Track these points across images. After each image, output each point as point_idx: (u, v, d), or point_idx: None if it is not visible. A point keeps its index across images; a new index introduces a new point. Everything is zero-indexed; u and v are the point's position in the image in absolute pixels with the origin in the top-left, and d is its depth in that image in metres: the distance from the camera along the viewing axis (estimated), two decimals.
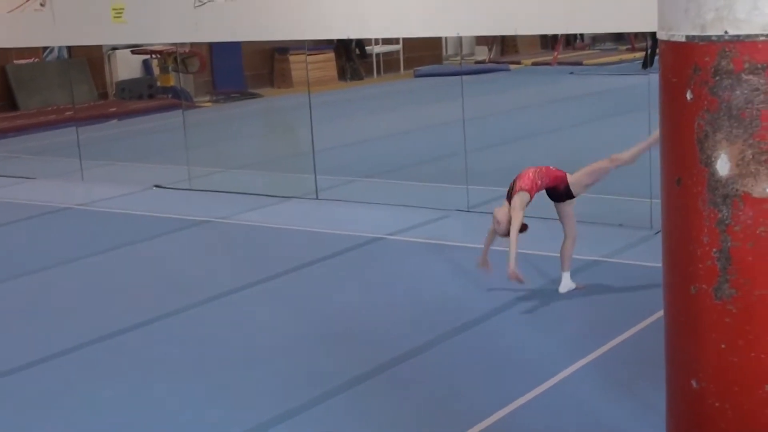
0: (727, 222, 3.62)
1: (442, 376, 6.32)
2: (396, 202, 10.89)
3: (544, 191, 7.72)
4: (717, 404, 3.74)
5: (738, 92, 3.55)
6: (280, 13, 11.12)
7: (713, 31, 3.57)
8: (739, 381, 3.68)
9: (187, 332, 7.42)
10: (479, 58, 26.19)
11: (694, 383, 3.80)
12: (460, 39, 10.93)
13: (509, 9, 9.63)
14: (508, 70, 25.04)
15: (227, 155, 14.74)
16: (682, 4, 3.64)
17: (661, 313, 6.95)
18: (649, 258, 8.26)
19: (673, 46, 3.71)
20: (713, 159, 3.62)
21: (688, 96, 3.66)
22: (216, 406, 6.08)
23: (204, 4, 11.48)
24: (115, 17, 12.19)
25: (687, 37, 3.64)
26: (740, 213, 3.60)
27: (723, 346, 3.69)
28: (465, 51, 26.84)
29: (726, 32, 3.54)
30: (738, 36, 3.52)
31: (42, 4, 12.75)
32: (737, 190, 3.59)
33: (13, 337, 7.52)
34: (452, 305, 7.59)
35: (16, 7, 13.00)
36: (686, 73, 3.65)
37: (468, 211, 10.37)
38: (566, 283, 7.74)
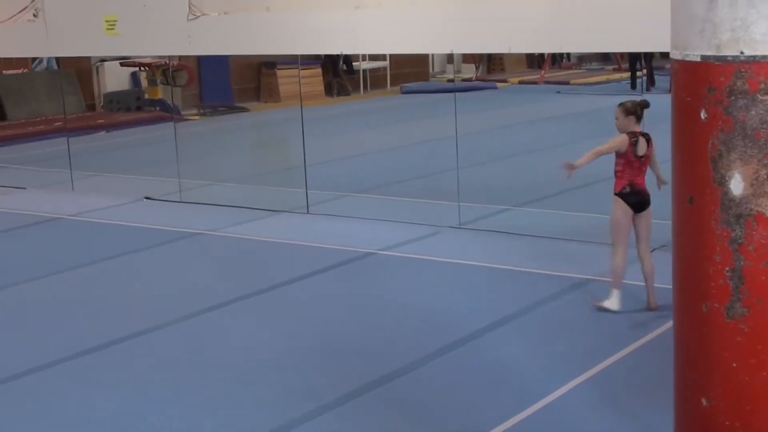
0: (740, 241, 3.64)
1: (436, 393, 6.30)
2: (387, 218, 10.88)
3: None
4: (727, 422, 3.75)
5: (753, 112, 3.57)
6: (273, 28, 11.12)
7: (729, 52, 3.59)
8: (750, 400, 3.69)
9: (178, 345, 7.39)
10: (466, 76, 26.25)
11: (704, 401, 3.81)
12: (452, 56, 10.95)
13: (503, 27, 9.66)
14: (495, 88, 25.11)
15: (217, 168, 14.73)
16: (697, 25, 3.66)
17: (656, 332, 7.04)
18: (640, 277, 8.26)
19: (687, 65, 3.73)
20: (727, 178, 3.64)
21: (702, 115, 3.68)
22: (208, 419, 6.05)
23: (197, 17, 11.48)
24: (107, 29, 12.17)
25: (702, 57, 3.66)
26: (754, 232, 3.61)
27: (734, 364, 3.70)
28: (452, 68, 26.92)
29: (742, 53, 3.57)
30: (754, 57, 3.55)
31: (35, 15, 12.70)
32: (751, 209, 3.61)
33: (2, 347, 7.47)
34: (445, 321, 7.58)
35: (9, 18, 12.95)
36: (701, 92, 3.67)
37: (459, 228, 10.37)
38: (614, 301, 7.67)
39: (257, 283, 8.76)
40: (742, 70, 3.58)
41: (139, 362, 7.04)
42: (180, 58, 19.13)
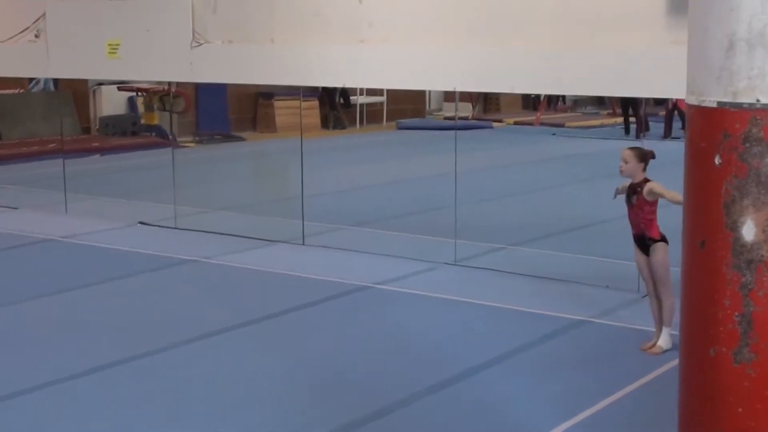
0: (750, 287, 3.65)
1: (428, 430, 6.25)
2: (383, 252, 10.87)
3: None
4: None
5: (767, 160, 3.60)
6: (276, 59, 11.15)
7: (745, 99, 3.63)
8: None
9: (169, 372, 7.32)
10: (462, 115, 26.39)
11: None
12: (452, 94, 11.00)
13: (506, 67, 9.71)
14: (491, 127, 25.23)
15: (212, 196, 14.71)
16: (714, 72, 3.69)
17: (650, 376, 7.03)
18: (636, 321, 8.30)
19: (703, 111, 3.76)
20: (739, 224, 3.66)
21: (717, 161, 3.70)
22: None
23: (201, 45, 11.51)
24: (110, 53, 12.20)
25: (718, 103, 3.69)
26: (764, 278, 3.63)
27: (740, 410, 3.71)
28: (449, 106, 27.05)
29: (758, 100, 3.60)
30: None
31: (36, 36, 12.73)
32: (762, 255, 3.63)
33: None
34: (439, 358, 7.55)
35: (9, 38, 12.98)
36: (716, 138, 3.70)
37: (455, 265, 10.37)
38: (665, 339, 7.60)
39: (251, 313, 8.73)
40: (758, 117, 3.61)
41: (129, 389, 6.97)
42: (178, 84, 19.18)
